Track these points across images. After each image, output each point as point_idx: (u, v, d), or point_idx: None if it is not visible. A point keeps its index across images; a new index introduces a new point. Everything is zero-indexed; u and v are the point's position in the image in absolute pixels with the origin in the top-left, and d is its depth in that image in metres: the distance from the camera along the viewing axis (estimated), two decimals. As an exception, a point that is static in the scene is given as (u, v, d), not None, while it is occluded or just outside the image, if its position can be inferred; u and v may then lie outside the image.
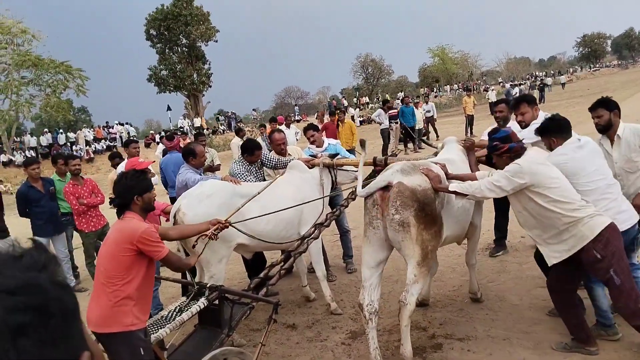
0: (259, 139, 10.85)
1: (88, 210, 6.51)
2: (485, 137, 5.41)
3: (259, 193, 4.51)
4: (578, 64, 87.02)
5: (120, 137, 30.95)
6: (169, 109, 37.00)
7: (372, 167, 5.21)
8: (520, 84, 35.76)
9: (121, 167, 7.35)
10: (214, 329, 3.57)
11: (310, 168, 5.33)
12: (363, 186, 5.15)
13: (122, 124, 33.22)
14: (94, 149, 29.42)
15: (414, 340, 4.43)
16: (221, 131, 36.82)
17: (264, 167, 5.63)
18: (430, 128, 19.55)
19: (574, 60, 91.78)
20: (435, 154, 4.95)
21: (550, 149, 3.78)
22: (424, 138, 14.14)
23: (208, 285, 3.60)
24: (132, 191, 3.19)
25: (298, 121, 35.39)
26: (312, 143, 6.13)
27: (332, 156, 5.46)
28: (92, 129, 33.49)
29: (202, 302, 3.44)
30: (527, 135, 4.55)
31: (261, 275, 4.16)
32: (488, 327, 4.47)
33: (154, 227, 3.18)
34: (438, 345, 4.26)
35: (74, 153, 26.71)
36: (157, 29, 38.26)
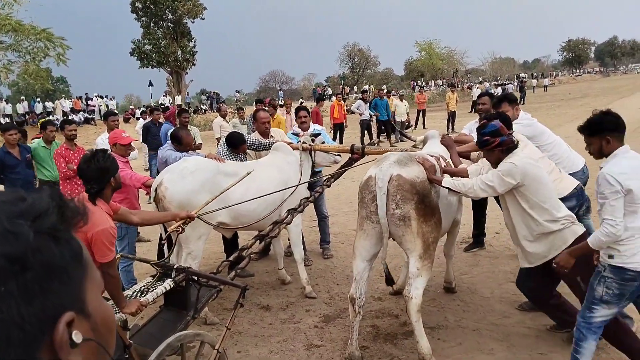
0: (236, 121, 10.78)
1: (75, 177, 6.41)
2: (466, 132, 5.48)
3: (248, 174, 4.44)
4: (561, 68, 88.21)
5: (99, 109, 30.36)
6: (150, 84, 36.48)
7: (349, 155, 5.23)
8: (504, 84, 36.09)
9: (103, 139, 7.25)
10: (180, 310, 3.47)
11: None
12: (337, 175, 5.16)
13: (101, 97, 32.58)
14: (71, 119, 28.81)
15: (385, 326, 4.51)
16: (203, 110, 36.40)
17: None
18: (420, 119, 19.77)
19: (557, 64, 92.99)
20: (414, 147, 4.98)
21: (601, 152, 3.14)
22: (406, 131, 14.21)
23: (175, 267, 3.52)
24: (108, 173, 3.08)
25: (282, 106, 35.15)
26: (301, 124, 6.12)
27: (314, 136, 5.48)
28: (70, 100, 32.77)
29: (168, 284, 3.34)
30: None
31: (231, 258, 4.11)
32: (459, 317, 4.56)
33: (113, 229, 3.03)
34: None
35: (52, 120, 26.11)
36: (143, 2, 37.51)
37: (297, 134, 5.68)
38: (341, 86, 49.81)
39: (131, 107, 36.38)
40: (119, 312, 3.13)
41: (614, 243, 2.98)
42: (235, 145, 5.37)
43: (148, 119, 13.40)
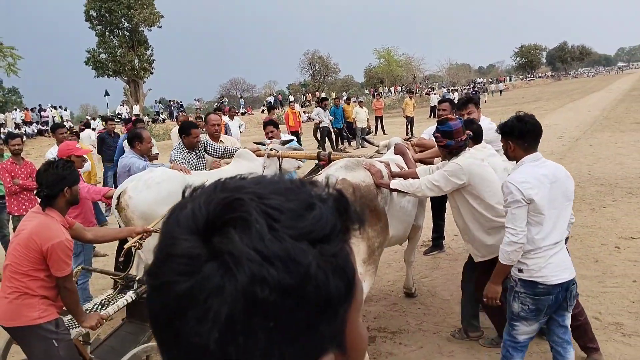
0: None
1: (21, 192, 6.21)
2: (426, 136, 5.56)
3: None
4: (515, 73, 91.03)
5: (53, 120, 29.42)
6: (106, 94, 35.66)
7: (316, 162, 5.24)
8: (456, 90, 36.99)
9: (52, 153, 7.01)
10: (143, 323, 3.42)
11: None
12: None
13: (55, 107, 31.61)
14: (24, 132, 27.82)
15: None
16: (161, 120, 35.79)
17: (207, 156, 5.54)
18: (379, 126, 19.99)
19: (511, 69, 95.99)
20: (378, 152, 5.02)
21: (509, 155, 3.23)
22: (368, 137, 14.37)
23: (137, 278, 3.44)
24: (63, 182, 3.00)
25: (243, 114, 34.98)
26: (270, 139, 6.07)
27: (284, 142, 5.52)
28: (21, 111, 31.66)
29: (129, 296, 3.28)
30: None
31: None
32: (420, 321, 4.61)
33: (69, 242, 2.96)
34: (372, 338, 4.34)
35: (1, 135, 25.19)
36: (97, 11, 36.79)
37: (262, 143, 5.63)
38: (302, 94, 49.97)
39: (87, 117, 35.39)
40: (78, 327, 3.05)
41: (522, 257, 2.99)
42: (188, 130, 5.28)
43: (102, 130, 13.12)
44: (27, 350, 2.92)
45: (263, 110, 38.06)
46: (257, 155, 5.29)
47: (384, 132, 20.29)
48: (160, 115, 36.93)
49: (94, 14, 36.96)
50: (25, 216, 3.22)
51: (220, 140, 5.87)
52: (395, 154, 4.47)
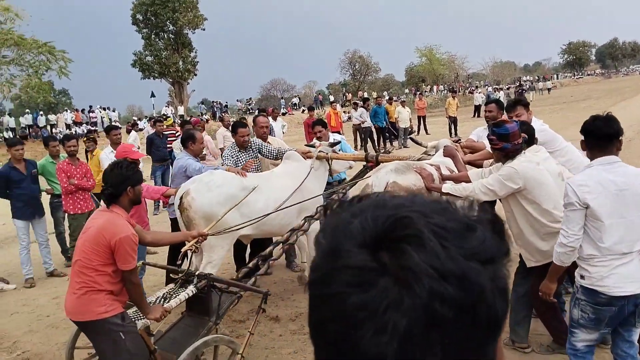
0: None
1: (77, 191, 6.48)
2: (474, 137, 5.46)
3: (253, 189, 4.59)
4: (562, 71, 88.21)
5: (102, 121, 30.47)
6: (152, 95, 36.64)
7: (364, 163, 5.23)
8: (501, 88, 36.09)
9: (107, 154, 7.24)
10: (201, 317, 3.59)
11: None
12: (353, 181, 5.20)
13: (103, 109, 32.71)
14: (74, 132, 28.92)
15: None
16: (205, 120, 36.48)
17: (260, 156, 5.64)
18: (421, 125, 19.78)
19: (558, 67, 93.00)
20: (426, 153, 4.96)
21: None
22: (412, 136, 14.26)
23: (197, 273, 3.58)
24: (126, 182, 3.15)
25: (284, 114, 35.30)
26: (318, 139, 6.20)
27: (332, 145, 5.59)
28: (71, 112, 32.92)
29: (190, 290, 3.44)
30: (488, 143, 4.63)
31: (250, 265, 4.16)
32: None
33: (134, 236, 3.11)
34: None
35: (54, 135, 26.26)
36: (143, 14, 37.79)
37: (312, 145, 5.72)
38: (342, 93, 49.94)
39: (134, 117, 36.46)
40: (143, 318, 3.18)
41: (584, 263, 2.88)
42: (235, 129, 5.50)
43: (152, 130, 13.46)
44: (96, 344, 3.07)
45: (303, 111, 38.26)
46: (306, 157, 5.34)
47: (426, 132, 20.07)
48: (204, 116, 37.63)
49: (140, 17, 38.01)
50: (92, 215, 3.39)
51: (268, 142, 5.94)
52: (444, 156, 4.39)
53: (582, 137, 3.04)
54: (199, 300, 3.54)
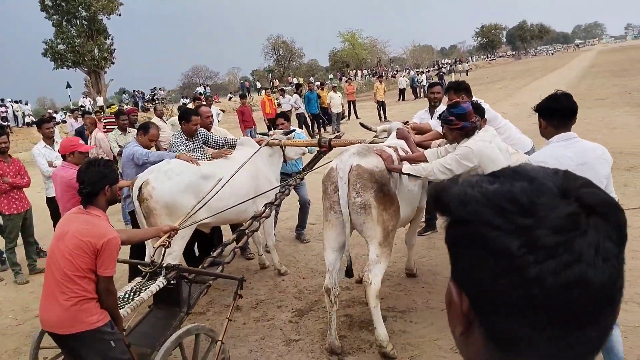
0: (175, 119, 10.54)
1: (11, 190, 6.09)
2: (417, 120, 5.69)
3: (219, 180, 4.58)
4: (476, 53, 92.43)
5: (15, 116, 28.40)
6: (68, 86, 34.52)
7: (317, 148, 5.32)
8: (423, 72, 37.33)
9: (39, 149, 6.79)
10: (172, 308, 3.54)
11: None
12: (308, 167, 5.30)
13: (16, 102, 30.47)
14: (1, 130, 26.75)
15: (358, 315, 4.64)
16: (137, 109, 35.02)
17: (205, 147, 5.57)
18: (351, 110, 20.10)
19: (472, 49, 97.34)
20: (376, 137, 5.12)
21: (541, 132, 3.25)
22: (361, 121, 14.49)
23: (165, 265, 3.52)
24: (103, 180, 3.03)
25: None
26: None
27: (286, 133, 5.71)
28: (-22, 107, 30.38)
29: (160, 281, 3.38)
30: (434, 124, 4.92)
31: (214, 254, 4.15)
32: (426, 299, 4.77)
33: (118, 241, 3.00)
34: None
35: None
36: (53, 0, 35.43)
37: (265, 134, 5.80)
38: (270, 80, 49.59)
39: (49, 111, 34.27)
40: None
41: None
42: (189, 116, 5.42)
43: (78, 122, 12.79)
44: (84, 355, 2.93)
45: (230, 98, 37.64)
46: (258, 144, 5.37)
47: (357, 117, 20.42)
48: (126, 106, 36.05)
49: (50, 3, 35.65)
50: (63, 218, 3.20)
51: (211, 132, 5.89)
52: (397, 138, 4.56)
53: (539, 116, 3.18)
54: (168, 292, 3.49)
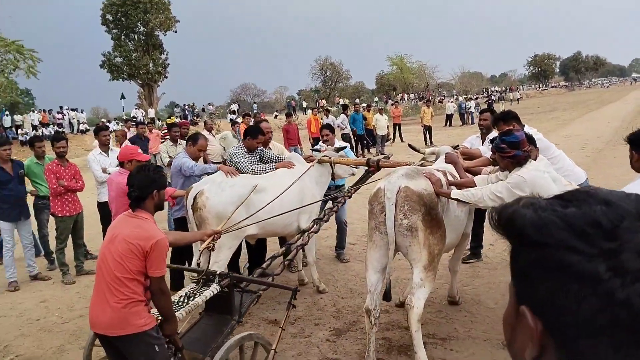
0: (227, 133, 10.82)
1: (65, 193, 6.37)
2: (467, 145, 5.62)
3: (255, 187, 4.68)
4: (527, 82, 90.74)
5: (70, 123, 29.75)
6: (122, 97, 35.92)
7: (366, 168, 5.33)
8: (471, 98, 36.92)
9: (95, 156, 7.05)
10: (223, 315, 3.60)
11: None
12: (356, 186, 5.31)
13: (72, 110, 31.93)
14: (40, 133, 28.11)
15: (397, 338, 4.56)
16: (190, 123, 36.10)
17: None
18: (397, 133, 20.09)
19: (523, 78, 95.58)
20: (424, 159, 5.08)
21: (632, 164, 3.13)
22: (410, 143, 14.47)
23: (219, 272, 3.61)
24: (152, 185, 3.11)
25: (261, 120, 35.07)
26: (324, 142, 6.43)
27: (337, 150, 5.81)
28: (38, 113, 31.97)
29: (214, 288, 3.46)
30: (484, 150, 4.87)
31: (263, 266, 4.23)
32: (468, 328, 4.64)
33: (166, 241, 3.06)
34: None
35: (20, 137, 25.51)
36: (114, 15, 37.25)
37: (317, 150, 5.93)
38: (316, 100, 50.15)
39: (102, 119, 35.71)
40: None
41: None
42: (255, 135, 5.51)
43: (130, 132, 13.26)
44: (130, 356, 3.00)
45: (276, 116, 38.26)
46: (308, 161, 5.45)
47: (401, 140, 20.35)
48: (177, 119, 37.20)
49: (110, 18, 37.42)
50: (114, 221, 3.30)
51: (269, 147, 6.01)
52: (446, 162, 4.51)
53: (631, 148, 3.07)
54: (220, 300, 3.55)
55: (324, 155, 5.54)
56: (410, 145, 5.44)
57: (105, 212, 6.41)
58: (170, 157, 7.79)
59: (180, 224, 5.49)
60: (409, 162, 5.00)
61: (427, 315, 4.96)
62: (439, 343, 4.40)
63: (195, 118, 34.60)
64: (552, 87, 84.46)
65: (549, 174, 3.75)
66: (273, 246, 6.67)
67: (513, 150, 3.56)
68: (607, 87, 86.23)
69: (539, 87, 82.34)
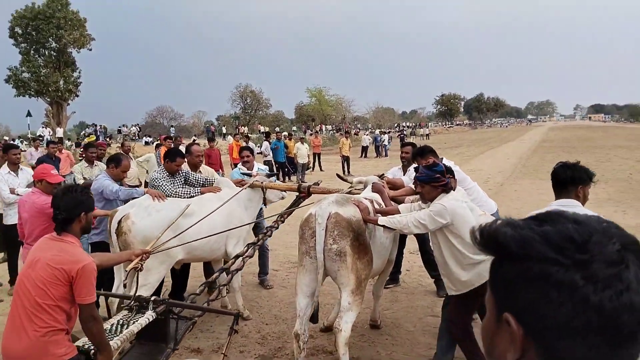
0: (151, 155, 10.56)
1: None
2: (390, 176, 5.92)
3: (186, 208, 4.61)
4: (435, 120, 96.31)
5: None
6: (29, 114, 33.73)
7: (297, 194, 5.44)
8: (385, 132, 38.60)
9: (5, 174, 6.60)
10: (157, 343, 3.45)
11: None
12: (287, 212, 5.39)
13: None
14: None
15: (322, 363, 4.64)
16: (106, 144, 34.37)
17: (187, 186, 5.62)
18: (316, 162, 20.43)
19: (432, 115, 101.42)
20: (352, 187, 5.29)
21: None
22: (338, 173, 14.70)
23: (153, 298, 3.48)
24: (80, 206, 2.98)
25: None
26: (244, 164, 6.39)
27: (269, 175, 5.87)
28: None
29: (149, 315, 3.32)
30: (407, 180, 5.24)
31: (197, 291, 4.15)
32: (389, 350, 4.82)
33: (94, 265, 2.93)
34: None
35: None
36: (23, 28, 35.24)
37: (249, 174, 5.88)
38: (236, 126, 49.94)
39: (5, 137, 33.23)
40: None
41: None
42: (173, 158, 5.42)
43: (38, 152, 12.50)
44: None
45: (194, 140, 37.54)
46: (239, 185, 5.46)
47: (320, 169, 20.79)
48: (86, 139, 35.41)
49: (20, 31, 35.36)
50: (35, 245, 3.10)
51: (199, 170, 5.96)
52: (373, 191, 4.74)
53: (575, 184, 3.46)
54: (153, 327, 3.42)
55: (256, 180, 5.58)
56: (338, 175, 5.66)
57: (11, 235, 5.99)
58: (85, 178, 7.45)
59: (98, 249, 5.24)
60: (338, 190, 5.19)
61: (351, 339, 5.07)
62: (363, 366, 4.54)
63: (108, 139, 33.14)
64: (457, 124, 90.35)
65: (467, 204, 4.06)
66: (194, 272, 6.55)
67: (445, 178, 3.84)
68: (507, 126, 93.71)
69: (446, 125, 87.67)
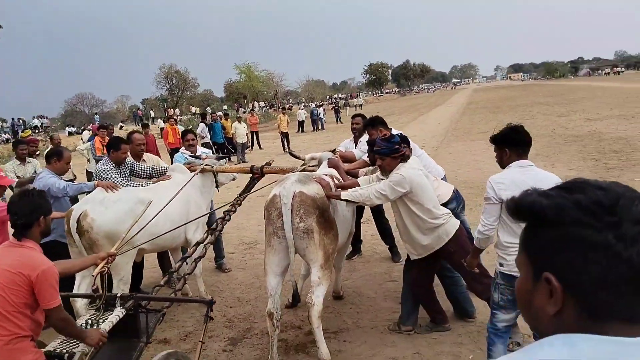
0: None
1: None
2: (342, 149, 6.01)
3: (150, 203, 4.51)
4: (365, 89, 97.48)
5: None
6: None
7: (250, 175, 5.41)
8: (321, 105, 38.81)
9: None
10: (129, 339, 3.38)
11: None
12: (244, 194, 5.36)
13: None
14: None
15: (291, 339, 4.73)
16: (4, 140, 32.17)
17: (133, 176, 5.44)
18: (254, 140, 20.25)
19: (362, 85, 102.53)
20: (305, 164, 5.33)
21: (501, 162, 3.56)
22: (291, 151, 14.58)
23: (119, 295, 3.39)
24: (38, 210, 2.88)
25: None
26: (188, 148, 6.28)
27: (219, 158, 5.79)
28: None
29: (119, 311, 3.23)
30: (358, 153, 5.41)
31: (162, 282, 4.08)
32: (355, 319, 4.99)
33: (55, 269, 2.85)
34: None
35: None
36: None
37: (198, 156, 5.77)
38: (164, 109, 48.35)
39: None
40: (77, 346, 2.99)
41: (503, 252, 3.42)
42: (118, 147, 5.26)
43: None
44: None
45: (121, 127, 36.15)
46: (191, 170, 5.36)
47: (260, 147, 20.63)
48: (2, 134, 33.16)
49: None
50: None
51: (143, 159, 5.77)
52: (329, 167, 4.81)
53: (502, 146, 3.50)
54: (124, 322, 3.35)
55: (206, 165, 5.49)
56: (290, 153, 5.67)
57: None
58: (18, 177, 7.05)
59: (50, 248, 5.00)
60: (292, 168, 5.21)
61: (317, 312, 5.22)
62: (332, 337, 4.67)
63: (52, 134, 31.12)
64: (387, 93, 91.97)
65: (422, 171, 4.22)
66: (146, 263, 6.43)
67: (405, 147, 3.98)
68: (433, 92, 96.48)
69: (376, 94, 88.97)
